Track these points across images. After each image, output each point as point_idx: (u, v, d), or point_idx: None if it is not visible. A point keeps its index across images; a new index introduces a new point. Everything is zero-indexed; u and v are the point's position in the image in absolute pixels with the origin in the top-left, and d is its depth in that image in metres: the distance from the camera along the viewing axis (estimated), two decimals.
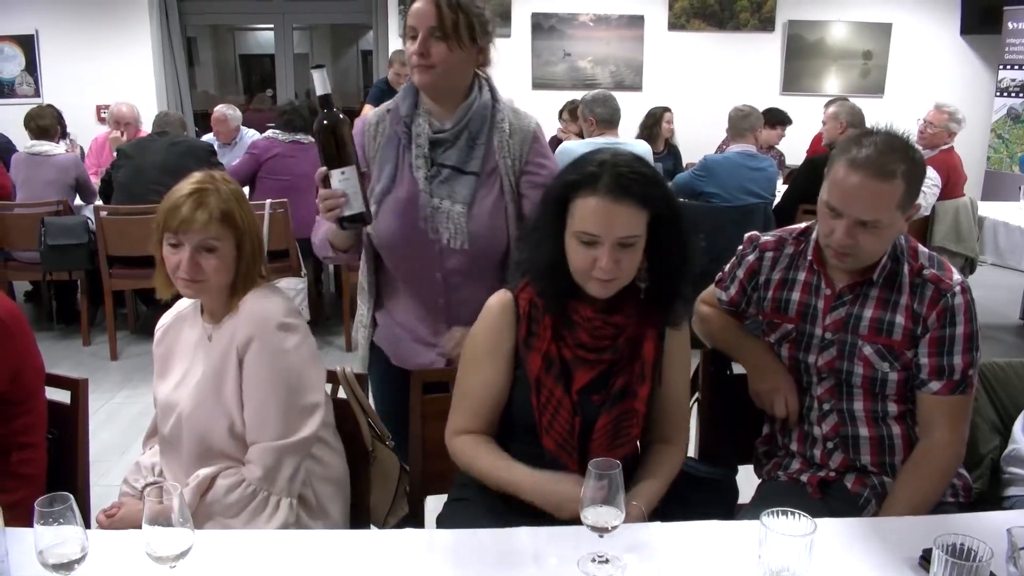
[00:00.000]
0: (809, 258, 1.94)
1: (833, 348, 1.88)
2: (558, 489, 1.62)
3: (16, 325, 1.87)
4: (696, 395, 2.18)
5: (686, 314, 1.85)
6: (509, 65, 7.60)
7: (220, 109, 6.36)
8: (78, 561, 1.33)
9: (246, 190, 5.26)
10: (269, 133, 5.39)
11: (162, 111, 5.93)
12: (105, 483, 2.08)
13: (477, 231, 2.03)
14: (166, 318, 1.99)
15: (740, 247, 2.08)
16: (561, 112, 6.47)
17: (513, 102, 2.16)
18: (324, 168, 1.84)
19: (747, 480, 2.04)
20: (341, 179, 1.82)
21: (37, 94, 7.65)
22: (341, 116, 1.84)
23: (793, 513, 1.32)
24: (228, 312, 1.85)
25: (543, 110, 6.68)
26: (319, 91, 1.84)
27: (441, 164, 2.05)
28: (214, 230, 1.77)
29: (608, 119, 4.58)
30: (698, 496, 1.89)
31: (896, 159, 1.73)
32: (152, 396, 1.99)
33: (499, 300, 1.79)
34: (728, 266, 2.09)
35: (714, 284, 2.13)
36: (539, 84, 7.76)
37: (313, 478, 1.88)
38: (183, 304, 1.97)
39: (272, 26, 8.51)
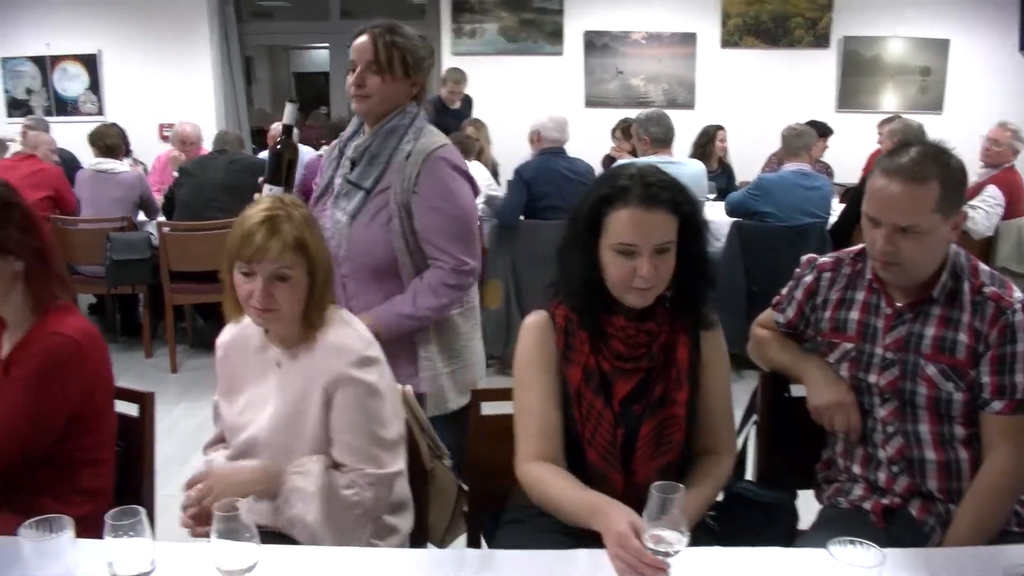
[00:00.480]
0: (868, 276, 1.92)
1: (895, 368, 1.86)
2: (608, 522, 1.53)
3: (91, 346, 1.92)
4: (754, 417, 2.16)
5: (716, 316, 1.87)
6: (561, 83, 7.65)
7: (276, 127, 6.45)
8: (147, 574, 1.35)
9: None
10: (321, 151, 5.48)
11: (221, 130, 6.07)
12: (164, 493, 2.11)
13: (357, 241, 2.27)
14: (226, 334, 1.98)
15: (797, 269, 2.07)
16: (614, 131, 6.48)
17: (424, 129, 2.33)
18: (263, 180, 2.24)
19: (805, 505, 2.02)
20: (266, 191, 2.21)
21: (100, 112, 7.86)
22: (295, 146, 2.24)
23: (860, 542, 1.31)
24: (303, 341, 1.83)
25: (595, 128, 6.75)
26: (285, 120, 2.23)
27: (347, 180, 2.31)
28: (288, 259, 1.73)
29: (662, 138, 4.58)
30: (756, 520, 1.88)
31: (930, 163, 1.74)
32: (212, 409, 2.02)
33: (535, 319, 1.83)
34: (785, 289, 2.08)
35: (771, 307, 2.12)
36: (592, 102, 7.77)
37: (382, 507, 1.86)
38: (244, 321, 1.91)
39: (327, 45, 8.65)
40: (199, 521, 1.69)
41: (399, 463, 1.82)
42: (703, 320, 1.83)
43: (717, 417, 1.85)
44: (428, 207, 2.25)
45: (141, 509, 1.37)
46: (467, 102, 6.90)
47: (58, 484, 1.64)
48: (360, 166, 2.30)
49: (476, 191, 2.39)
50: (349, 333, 1.83)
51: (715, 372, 1.84)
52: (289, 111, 2.22)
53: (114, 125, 5.89)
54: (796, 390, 2.09)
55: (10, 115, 8.00)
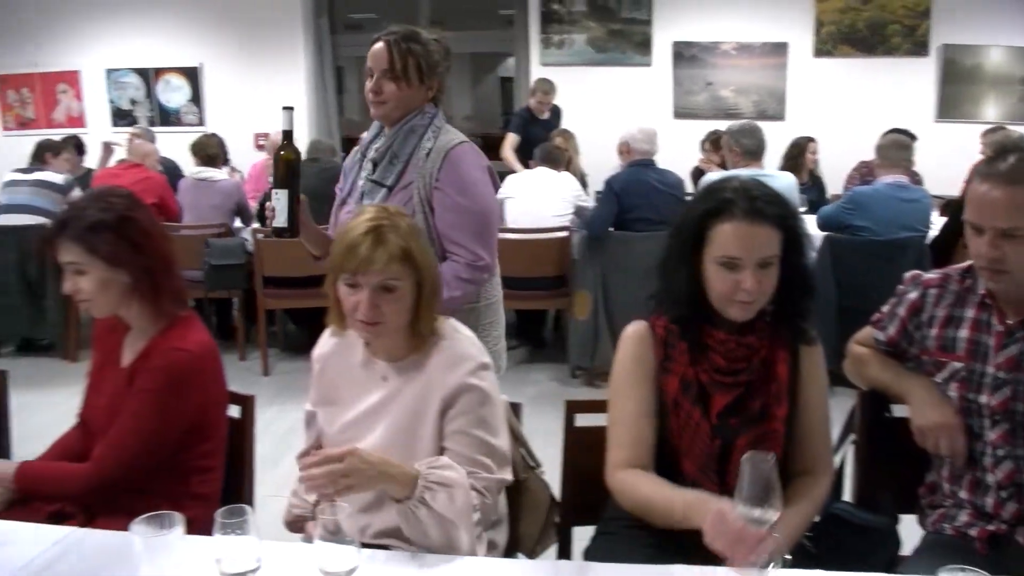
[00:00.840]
0: (980, 292, 1.86)
1: (1007, 388, 1.79)
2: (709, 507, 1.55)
3: (211, 360, 1.99)
4: (852, 437, 2.11)
5: (815, 332, 1.84)
6: (650, 94, 7.60)
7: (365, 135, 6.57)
8: (252, 571, 1.40)
9: None
10: None
11: (315, 139, 6.21)
12: (257, 494, 2.18)
13: None
14: (324, 346, 1.95)
15: (900, 286, 2.02)
16: (703, 142, 6.42)
17: (444, 127, 2.39)
18: (270, 185, 2.28)
19: (907, 530, 1.96)
20: (275, 198, 2.22)
21: (201, 123, 8.12)
22: (295, 150, 2.24)
23: (972, 571, 1.27)
24: (411, 354, 1.80)
25: (684, 140, 6.69)
26: (284, 127, 2.24)
27: (370, 179, 2.37)
28: (394, 269, 1.70)
29: (754, 151, 4.53)
30: (857, 544, 1.83)
31: None
32: (304, 416, 2.01)
33: (634, 329, 1.84)
34: (887, 306, 2.03)
35: (870, 325, 2.07)
36: (680, 113, 7.70)
37: (485, 523, 1.84)
38: (345, 332, 1.88)
39: None
40: (315, 481, 1.54)
41: (508, 472, 1.80)
42: (803, 335, 1.81)
43: (815, 435, 1.82)
44: (447, 201, 2.32)
45: (248, 508, 1.42)
46: (555, 112, 6.92)
47: (171, 489, 1.70)
48: (382, 165, 2.37)
49: (496, 187, 2.47)
50: (463, 340, 1.82)
51: (814, 389, 1.82)
52: (285, 117, 2.25)
53: (214, 135, 6.09)
54: (897, 410, 2.04)
55: (115, 124, 8.33)
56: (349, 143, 8.14)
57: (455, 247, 2.33)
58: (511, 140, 6.65)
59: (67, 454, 2.07)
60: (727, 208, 1.69)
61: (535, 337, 5.81)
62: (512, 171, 6.09)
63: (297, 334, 5.81)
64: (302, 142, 6.51)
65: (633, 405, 1.78)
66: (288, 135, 2.26)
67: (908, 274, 2.03)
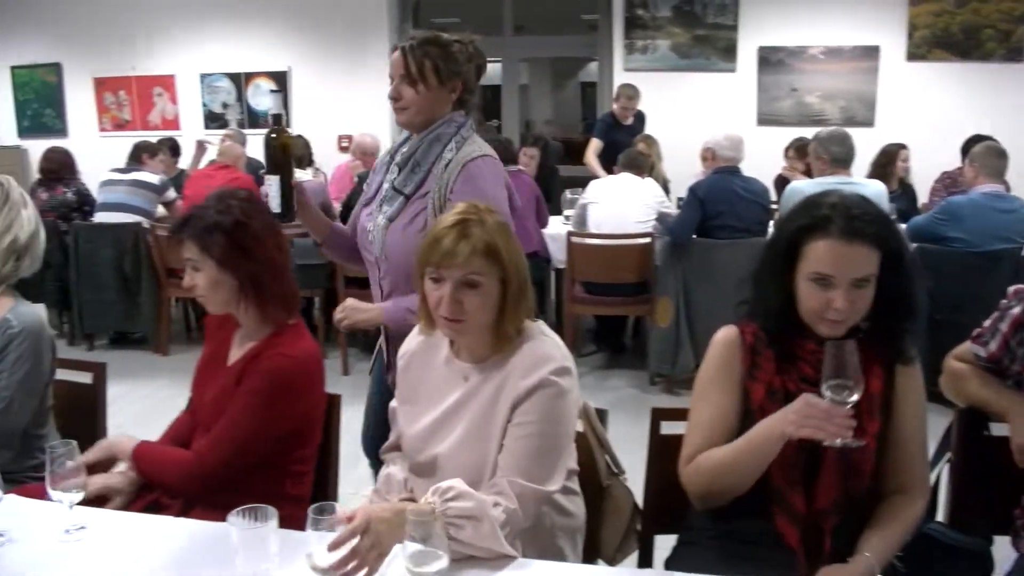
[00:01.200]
0: None
1: None
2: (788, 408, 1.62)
3: (316, 369, 2.04)
4: (948, 455, 2.06)
5: (915, 351, 1.78)
6: (733, 100, 7.51)
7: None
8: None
9: None
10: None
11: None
12: (341, 491, 2.22)
13: (391, 243, 2.28)
14: (411, 342, 1.95)
15: (1004, 300, 1.96)
16: (787, 150, 6.30)
17: (469, 138, 2.35)
18: (263, 171, 2.27)
19: (1000, 551, 1.90)
20: (268, 183, 2.23)
21: (288, 125, 8.30)
22: (288, 135, 2.25)
23: None
24: (494, 355, 1.76)
25: (767, 147, 6.58)
26: (273, 110, 2.27)
27: (392, 186, 2.34)
28: (477, 264, 1.67)
29: (843, 159, 4.43)
30: (948, 566, 1.79)
31: None
32: (389, 414, 2.02)
33: (725, 334, 1.82)
34: (988, 321, 1.97)
35: (969, 340, 2.01)
36: (764, 120, 7.58)
37: (557, 530, 1.84)
38: (433, 331, 1.86)
39: (500, 59, 8.84)
40: (345, 562, 1.45)
41: (554, 483, 1.72)
42: (900, 355, 1.75)
43: (910, 455, 1.76)
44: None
45: (338, 505, 1.45)
46: (639, 118, 6.89)
47: (265, 488, 1.72)
48: (404, 172, 2.34)
49: (515, 206, 2.37)
50: (546, 343, 1.77)
51: (910, 409, 1.75)
52: (274, 100, 2.27)
53: (300, 137, 6.23)
54: (996, 428, 1.98)
55: (207, 127, 8.59)
56: None
57: None
58: (594, 145, 6.65)
59: (179, 439, 2.13)
60: (823, 225, 1.65)
61: (615, 343, 5.79)
62: (594, 176, 6.08)
63: (377, 334, 5.87)
64: (385, 144, 6.63)
65: (713, 409, 1.77)
66: (278, 119, 2.28)
67: (1012, 288, 1.97)
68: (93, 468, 1.98)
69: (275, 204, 2.22)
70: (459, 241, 1.67)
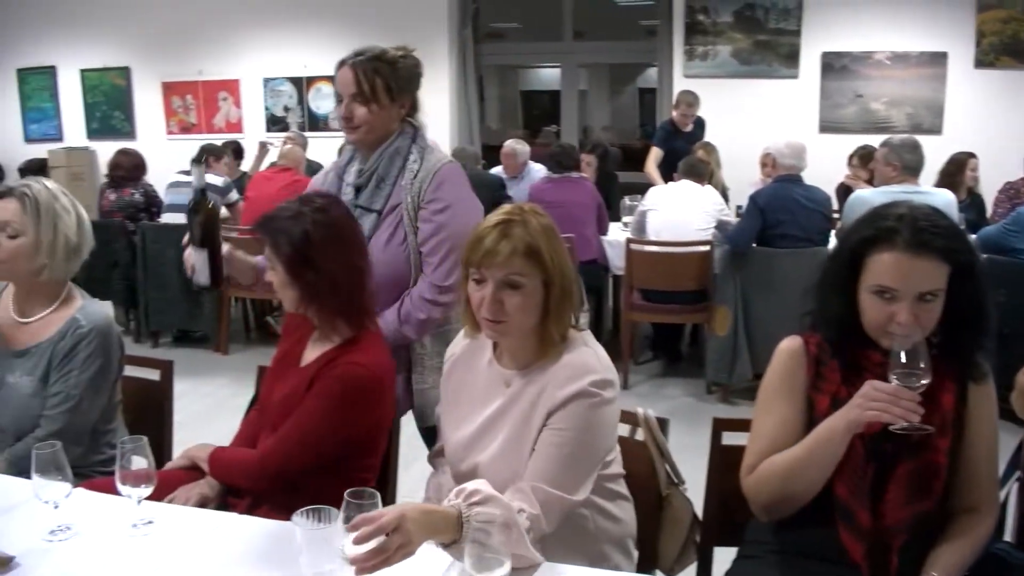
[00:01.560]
0: None
1: None
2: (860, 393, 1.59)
3: (388, 382, 2.04)
4: (1017, 474, 2.00)
5: (988, 367, 1.72)
6: (795, 107, 7.39)
7: (510, 144, 6.68)
8: None
9: None
10: (545, 175, 5.76)
11: (459, 147, 6.33)
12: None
13: (377, 261, 2.20)
14: (455, 347, 1.95)
15: None
16: (851, 157, 6.18)
17: (437, 146, 2.44)
18: (187, 239, 2.17)
19: None
20: (195, 254, 2.16)
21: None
22: (210, 207, 2.14)
23: None
24: (536, 361, 1.74)
25: (829, 155, 6.46)
26: (195, 184, 2.16)
27: (357, 205, 2.33)
28: (518, 265, 1.65)
29: (915, 166, 4.34)
30: None
31: None
32: (437, 419, 2.04)
33: (788, 344, 1.78)
34: None
35: None
36: (826, 127, 7.45)
37: (602, 534, 1.83)
38: (478, 334, 1.82)
39: (560, 65, 8.84)
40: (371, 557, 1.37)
41: (581, 494, 1.68)
42: (973, 371, 1.70)
43: (981, 473, 1.71)
44: (432, 219, 2.31)
45: (377, 493, 1.45)
46: (699, 125, 6.84)
47: (329, 492, 1.67)
48: (367, 190, 2.35)
49: (477, 213, 2.37)
50: (586, 353, 1.73)
51: (982, 426, 1.70)
52: (196, 172, 2.18)
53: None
54: None
55: (268, 130, 8.74)
56: (488, 151, 8.28)
57: (428, 266, 2.32)
58: (655, 155, 6.61)
59: (251, 437, 2.16)
60: (889, 237, 1.61)
61: (672, 351, 5.74)
62: (652, 184, 6.06)
63: None
64: (446, 148, 6.68)
65: (776, 419, 1.74)
66: (202, 192, 2.16)
67: None
68: (179, 475, 2.07)
69: (203, 277, 2.18)
70: (500, 240, 1.66)
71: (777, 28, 7.46)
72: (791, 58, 7.47)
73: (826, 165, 6.14)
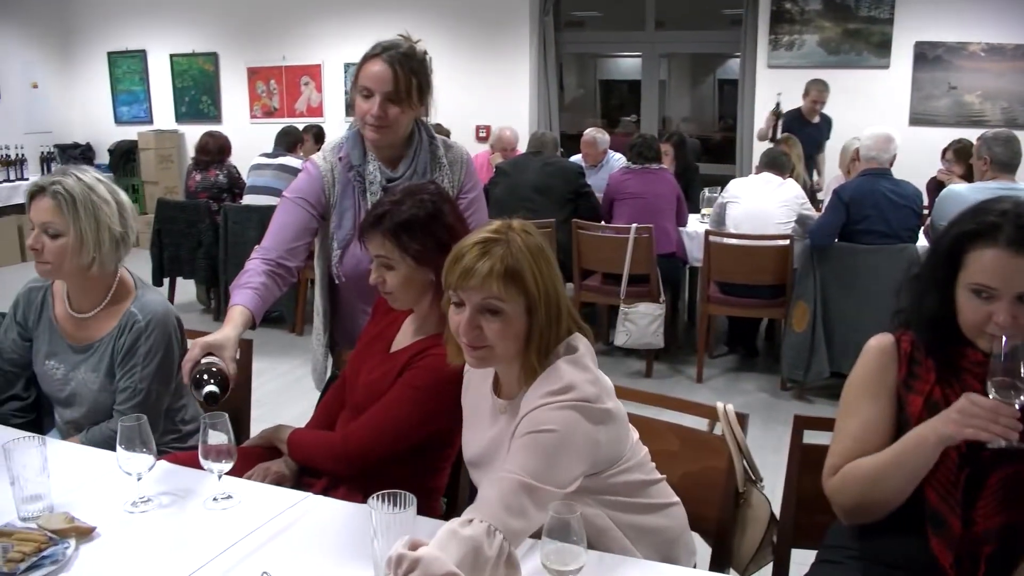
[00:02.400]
0: None
1: None
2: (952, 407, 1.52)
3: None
4: None
5: None
6: (884, 99, 7.17)
7: (590, 132, 6.63)
8: None
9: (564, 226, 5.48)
10: (624, 165, 5.70)
11: (539, 131, 6.29)
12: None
13: None
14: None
15: None
16: (945, 151, 5.95)
17: (440, 137, 2.42)
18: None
19: None
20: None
21: (426, 113, 8.45)
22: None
23: None
24: (520, 390, 1.61)
25: (920, 148, 6.27)
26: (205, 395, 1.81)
27: None
28: (495, 288, 1.52)
29: (1007, 162, 4.17)
30: None
31: None
32: None
33: (879, 341, 1.71)
34: None
35: None
36: (917, 119, 7.21)
37: (641, 546, 1.72)
38: None
39: (640, 54, 8.74)
40: None
41: (566, 486, 1.50)
42: None
43: None
44: (465, 207, 2.33)
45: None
46: (827, 122, 6.68)
47: (406, 477, 1.70)
48: None
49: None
50: (559, 369, 1.56)
51: None
52: (206, 392, 1.82)
53: (438, 125, 6.31)
54: None
55: (347, 115, 8.85)
56: (565, 139, 8.24)
57: None
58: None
59: (330, 415, 2.17)
60: (990, 233, 1.54)
61: (747, 345, 5.64)
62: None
63: None
64: (524, 136, 6.66)
65: (862, 419, 1.68)
66: (214, 397, 1.83)
67: None
68: (257, 452, 2.10)
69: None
70: (478, 261, 1.53)
71: (869, 16, 7.22)
72: (882, 47, 7.23)
73: (917, 159, 5.96)
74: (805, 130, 6.44)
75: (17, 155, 8.88)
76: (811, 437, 1.97)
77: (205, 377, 1.83)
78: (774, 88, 7.40)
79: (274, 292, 2.21)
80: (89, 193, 2.12)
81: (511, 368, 1.63)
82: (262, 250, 2.26)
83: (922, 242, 4.67)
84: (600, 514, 1.66)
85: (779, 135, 6.24)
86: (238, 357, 1.95)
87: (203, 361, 1.87)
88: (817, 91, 6.50)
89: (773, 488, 2.01)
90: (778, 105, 6.41)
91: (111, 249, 2.15)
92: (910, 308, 1.69)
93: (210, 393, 1.79)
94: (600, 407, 1.56)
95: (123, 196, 2.22)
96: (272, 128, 7.12)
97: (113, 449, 1.72)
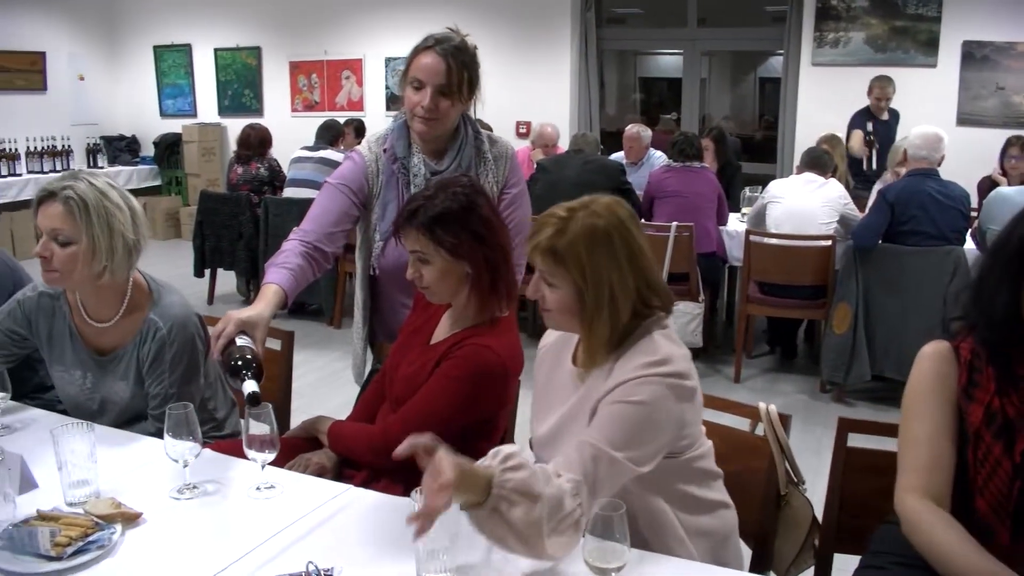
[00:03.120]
0: None
1: None
2: None
3: (514, 369, 2.00)
4: None
5: None
6: (931, 98, 7.04)
7: (634, 128, 6.60)
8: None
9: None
10: (665, 163, 5.66)
11: (580, 132, 6.30)
12: None
13: None
14: (548, 338, 1.92)
15: None
16: (1007, 148, 5.72)
17: (489, 135, 2.43)
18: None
19: None
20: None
21: (472, 109, 8.45)
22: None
23: None
24: (595, 360, 1.68)
25: (967, 149, 6.15)
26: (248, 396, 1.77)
27: None
28: (545, 264, 1.64)
29: None
30: None
31: None
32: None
33: (935, 348, 1.67)
34: None
35: None
36: (965, 120, 7.07)
37: (700, 545, 1.73)
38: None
39: (681, 51, 8.68)
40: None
41: (644, 464, 1.56)
42: None
43: None
44: (510, 202, 2.36)
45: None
46: (895, 116, 6.53)
47: None
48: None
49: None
50: (650, 346, 1.63)
51: None
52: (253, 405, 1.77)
53: (480, 121, 6.31)
54: None
55: (388, 109, 8.89)
56: (604, 137, 8.20)
57: (520, 244, 2.22)
58: (857, 135, 6.35)
59: (370, 408, 2.18)
60: None
61: (787, 346, 5.58)
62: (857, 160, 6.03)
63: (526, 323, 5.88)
64: (565, 133, 6.63)
65: (929, 425, 1.62)
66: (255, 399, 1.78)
67: None
68: (298, 444, 2.11)
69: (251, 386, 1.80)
70: (535, 234, 1.66)
71: (916, 13, 7.10)
72: (930, 45, 7.11)
73: (964, 160, 5.84)
74: (875, 127, 6.33)
75: (64, 146, 9.05)
76: (855, 440, 1.94)
77: (240, 366, 1.80)
78: (818, 86, 7.33)
79: (308, 275, 2.20)
80: (102, 199, 2.03)
81: (592, 337, 1.67)
82: (301, 232, 2.26)
83: (969, 245, 4.59)
84: (667, 510, 1.68)
85: (875, 166, 6.15)
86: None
87: (237, 343, 1.85)
88: (880, 87, 6.37)
89: (813, 491, 1.99)
90: (870, 135, 6.27)
91: (123, 257, 2.06)
92: (976, 309, 1.64)
93: (253, 395, 1.76)
94: (689, 385, 1.62)
95: (135, 202, 2.14)
96: (313, 121, 7.17)
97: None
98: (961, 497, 1.60)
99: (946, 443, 1.61)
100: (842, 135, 6.20)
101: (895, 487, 1.65)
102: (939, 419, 1.63)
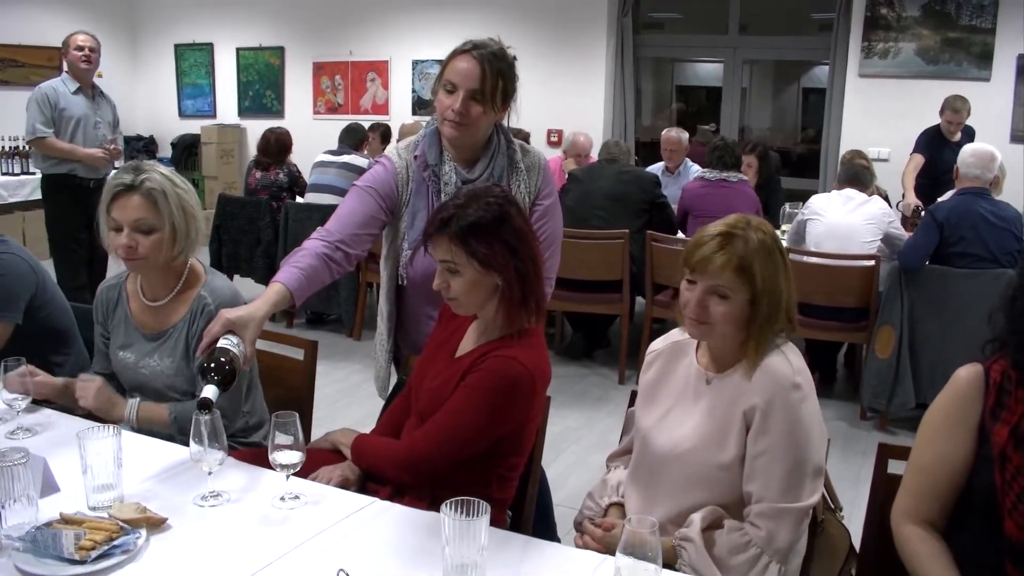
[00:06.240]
0: None
1: None
2: None
3: (541, 382, 1.96)
4: None
5: None
6: (984, 113, 6.72)
7: (673, 131, 6.44)
8: None
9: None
10: (699, 174, 5.48)
11: (613, 140, 6.07)
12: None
13: None
14: (659, 343, 2.01)
15: None
16: None
17: (522, 146, 2.38)
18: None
19: None
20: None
21: (507, 119, 8.28)
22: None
23: None
24: (735, 363, 1.81)
25: (1022, 166, 5.84)
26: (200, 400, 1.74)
27: None
28: (728, 277, 1.74)
29: None
30: None
31: None
32: (624, 419, 2.08)
33: (968, 371, 1.64)
34: None
35: None
36: (1019, 136, 6.76)
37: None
38: (677, 335, 1.97)
39: (721, 60, 8.44)
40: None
41: (816, 494, 1.74)
42: None
43: None
44: (542, 213, 2.34)
45: None
46: (968, 134, 6.07)
47: (473, 487, 1.69)
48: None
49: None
50: (780, 361, 1.77)
51: None
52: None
53: (519, 129, 6.13)
54: None
55: (414, 113, 8.74)
56: (641, 147, 7.99)
57: (550, 257, 2.30)
58: (915, 161, 5.97)
59: (396, 422, 2.14)
60: None
61: (826, 370, 5.31)
62: (904, 199, 5.71)
63: (574, 340, 5.69)
64: (598, 141, 6.42)
65: (935, 453, 1.63)
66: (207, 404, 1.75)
67: None
68: (322, 455, 2.10)
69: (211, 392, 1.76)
70: (717, 251, 1.74)
71: (970, 25, 6.80)
72: (983, 58, 6.80)
73: (1018, 178, 5.56)
74: (946, 149, 5.92)
75: None
76: (896, 467, 1.87)
77: (208, 368, 1.79)
78: (865, 98, 7.07)
79: (322, 277, 2.16)
80: (173, 186, 2.20)
81: (726, 345, 1.82)
82: (324, 231, 2.22)
83: None
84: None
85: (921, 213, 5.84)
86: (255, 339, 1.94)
87: (221, 344, 1.84)
88: (952, 110, 5.96)
89: (851, 520, 1.99)
90: (919, 208, 5.86)
91: (196, 238, 2.24)
92: (1010, 330, 1.59)
93: (203, 400, 1.73)
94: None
95: (191, 186, 2.30)
96: (335, 125, 7.02)
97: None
98: (990, 520, 1.55)
99: (948, 471, 1.61)
100: (885, 151, 5.91)
101: (893, 504, 1.68)
102: (947, 446, 1.62)
